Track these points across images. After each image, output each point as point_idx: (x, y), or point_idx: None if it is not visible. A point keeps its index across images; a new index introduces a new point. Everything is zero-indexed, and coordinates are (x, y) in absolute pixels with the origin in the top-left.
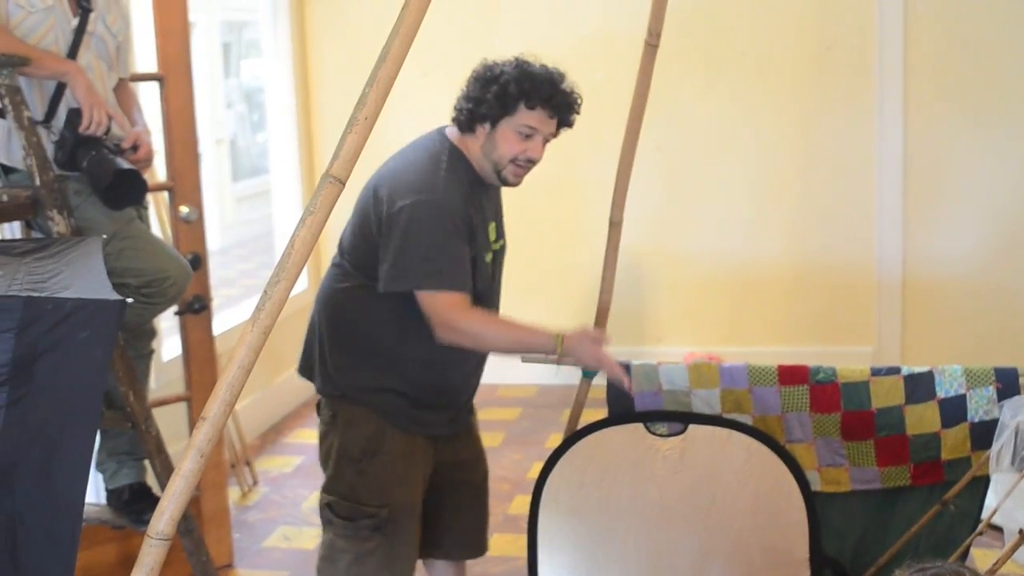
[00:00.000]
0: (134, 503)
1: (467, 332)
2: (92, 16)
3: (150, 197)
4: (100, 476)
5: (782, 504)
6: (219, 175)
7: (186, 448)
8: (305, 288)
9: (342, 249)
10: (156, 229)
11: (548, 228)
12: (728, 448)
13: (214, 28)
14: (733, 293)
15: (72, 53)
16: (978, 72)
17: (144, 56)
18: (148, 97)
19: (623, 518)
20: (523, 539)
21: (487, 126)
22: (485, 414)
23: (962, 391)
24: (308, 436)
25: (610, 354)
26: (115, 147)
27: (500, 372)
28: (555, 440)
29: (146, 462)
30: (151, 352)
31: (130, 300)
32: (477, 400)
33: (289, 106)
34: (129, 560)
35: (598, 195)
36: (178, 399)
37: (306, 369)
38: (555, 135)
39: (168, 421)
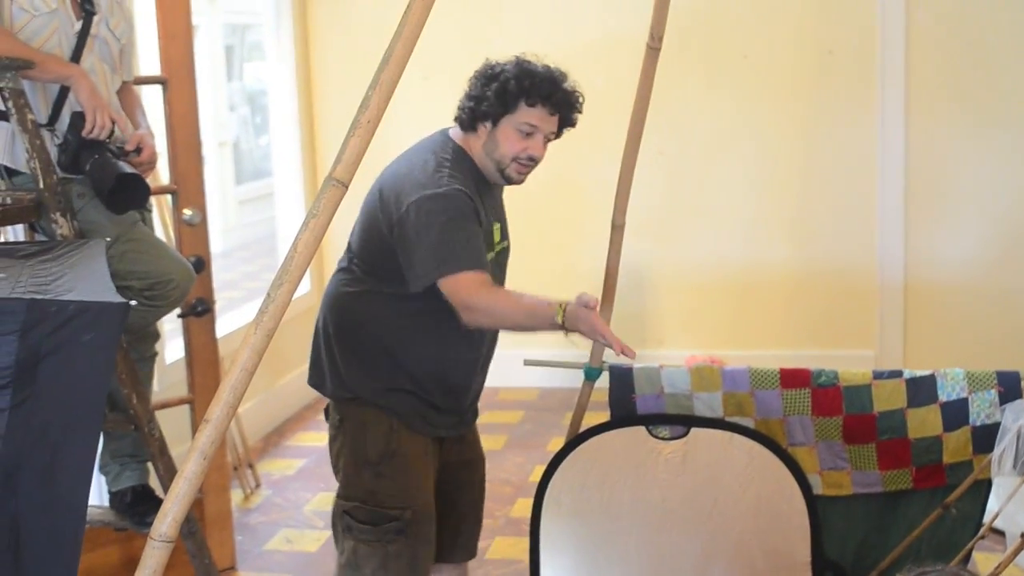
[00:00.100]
0: (137, 505)
1: (482, 309)
2: (95, 19)
3: (153, 200)
4: (103, 478)
5: (784, 507)
6: (222, 178)
7: (189, 450)
8: (308, 291)
9: (351, 251)
10: (159, 232)
11: (550, 231)
12: (730, 451)
13: (217, 31)
14: (735, 296)
15: (76, 56)
16: (979, 75)
17: (147, 59)
18: (151, 100)
19: (625, 521)
20: (525, 542)
21: (489, 124)
22: (487, 417)
23: (964, 395)
24: (311, 439)
25: (602, 321)
26: (118, 150)
27: (502, 375)
28: (557, 443)
29: (149, 464)
30: (154, 355)
31: (133, 303)
32: (479, 403)
33: (292, 109)
34: (132, 562)
35: (600, 198)
36: (181, 402)
37: (316, 377)
38: (558, 135)
39: (171, 424)
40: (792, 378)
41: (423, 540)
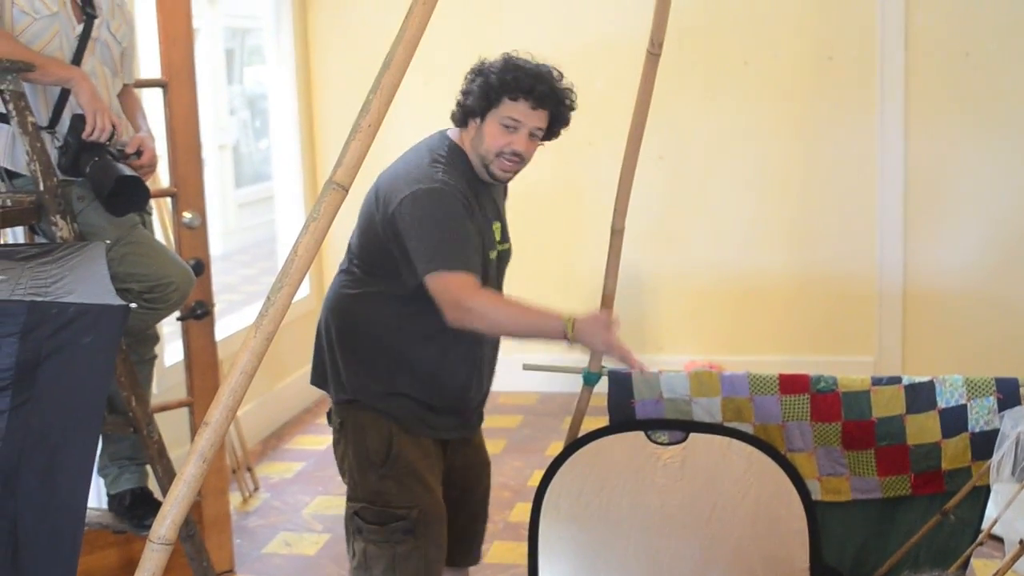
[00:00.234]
0: (135, 508)
1: (477, 312)
2: (96, 22)
3: (153, 203)
4: (101, 481)
5: (782, 513)
6: (222, 181)
7: (189, 453)
8: (307, 294)
9: (351, 253)
10: (159, 235)
11: (550, 235)
12: (729, 457)
13: (218, 34)
14: (734, 302)
15: (76, 59)
16: (979, 82)
17: (148, 62)
18: (152, 103)
19: (623, 526)
20: (524, 547)
21: (478, 120)
22: (486, 421)
23: (963, 401)
24: (309, 442)
25: (620, 339)
26: (119, 153)
27: (501, 379)
28: (556, 448)
29: (147, 467)
30: (153, 357)
31: (133, 305)
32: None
33: (292, 113)
34: (130, 565)
35: (600, 203)
36: (180, 404)
37: (318, 378)
38: (552, 133)
39: (170, 426)
40: (791, 384)
41: (432, 541)
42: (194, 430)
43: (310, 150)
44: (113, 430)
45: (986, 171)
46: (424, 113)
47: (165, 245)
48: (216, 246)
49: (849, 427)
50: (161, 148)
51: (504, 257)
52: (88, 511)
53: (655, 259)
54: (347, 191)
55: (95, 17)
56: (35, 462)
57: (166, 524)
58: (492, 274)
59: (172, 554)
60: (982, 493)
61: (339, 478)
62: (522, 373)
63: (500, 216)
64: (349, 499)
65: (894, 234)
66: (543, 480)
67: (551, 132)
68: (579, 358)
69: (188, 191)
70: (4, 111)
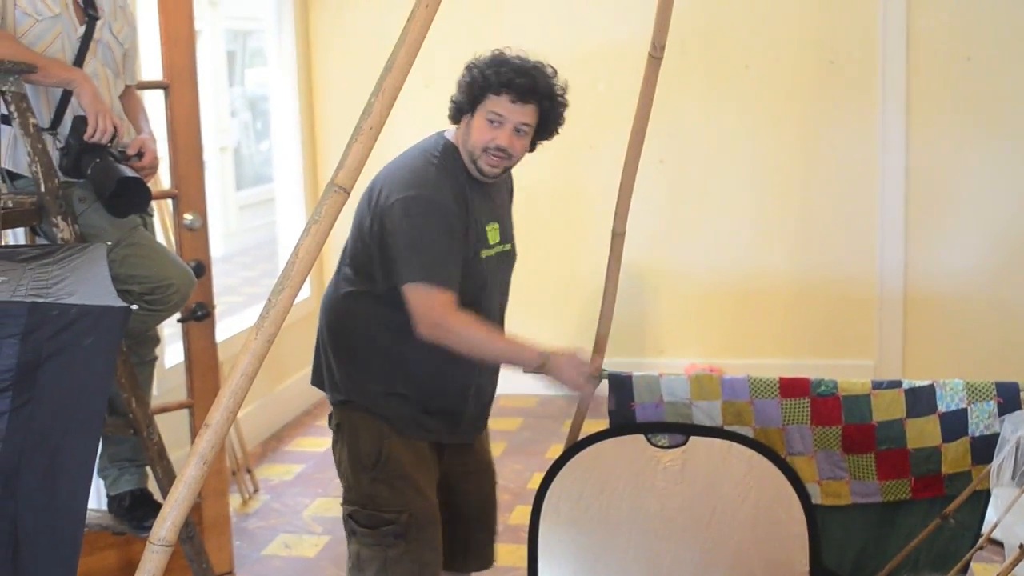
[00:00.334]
0: (135, 509)
1: (450, 331)
2: (99, 24)
3: (154, 204)
4: (101, 482)
5: (782, 517)
6: (223, 183)
7: (189, 455)
8: (308, 296)
9: (345, 253)
10: (160, 236)
11: (551, 238)
12: (729, 460)
13: (219, 36)
14: (735, 305)
15: (78, 61)
16: (981, 86)
17: (150, 64)
18: (153, 104)
19: (623, 529)
20: (523, 549)
21: (468, 116)
22: None
23: (963, 405)
24: (309, 444)
25: (590, 386)
26: (120, 154)
27: (501, 382)
28: (556, 450)
29: (147, 468)
30: (154, 359)
31: (134, 307)
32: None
33: (293, 115)
34: (130, 566)
35: (601, 206)
36: (180, 406)
37: (317, 378)
38: (546, 132)
39: (170, 428)
40: (791, 387)
41: (425, 545)
42: (194, 432)
43: (311, 152)
44: (113, 431)
45: (987, 175)
46: (425, 116)
47: (166, 247)
48: (217, 248)
49: (849, 431)
50: (162, 150)
51: (504, 258)
52: (88, 512)
53: (656, 262)
54: (348, 193)
55: (97, 18)
56: (35, 463)
57: (166, 525)
58: (484, 275)
59: (172, 556)
60: (982, 497)
61: (339, 480)
62: (522, 376)
63: (500, 216)
64: (343, 501)
65: (895, 238)
66: (543, 483)
67: (545, 130)
68: None
69: (189, 193)
70: (6, 112)
